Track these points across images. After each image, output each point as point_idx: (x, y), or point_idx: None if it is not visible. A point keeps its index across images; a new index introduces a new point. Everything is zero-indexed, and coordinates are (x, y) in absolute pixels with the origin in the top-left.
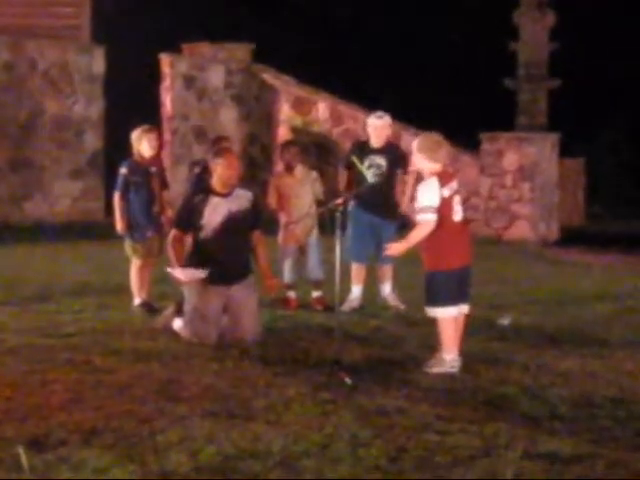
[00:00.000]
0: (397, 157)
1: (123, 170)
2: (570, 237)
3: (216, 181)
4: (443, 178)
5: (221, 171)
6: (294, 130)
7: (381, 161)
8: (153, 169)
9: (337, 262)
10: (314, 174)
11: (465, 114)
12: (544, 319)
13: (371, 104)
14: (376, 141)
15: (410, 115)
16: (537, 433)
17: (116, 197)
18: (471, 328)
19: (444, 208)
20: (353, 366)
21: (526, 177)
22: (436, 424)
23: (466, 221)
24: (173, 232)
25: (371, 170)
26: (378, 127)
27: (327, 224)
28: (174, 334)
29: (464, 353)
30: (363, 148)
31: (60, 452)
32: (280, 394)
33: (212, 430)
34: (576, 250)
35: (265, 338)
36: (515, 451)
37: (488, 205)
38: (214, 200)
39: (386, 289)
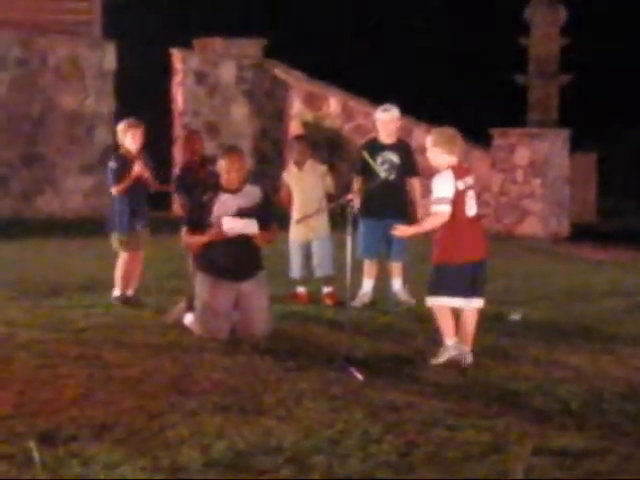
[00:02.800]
0: (407, 154)
1: (113, 164)
2: (581, 233)
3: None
4: (458, 172)
5: (222, 173)
6: (305, 125)
7: (393, 157)
8: (142, 161)
9: (348, 257)
10: (323, 168)
11: (476, 110)
12: (554, 315)
13: (382, 100)
14: (386, 135)
15: (421, 111)
16: (547, 428)
17: (114, 190)
18: (482, 323)
19: (457, 201)
20: (364, 361)
21: (537, 173)
22: (446, 419)
23: (479, 216)
24: (184, 230)
25: (384, 166)
26: (386, 120)
27: (338, 219)
28: (185, 329)
29: (475, 348)
30: (374, 145)
31: (71, 447)
32: (291, 389)
33: (223, 425)
34: (587, 246)
35: (276, 333)
36: (526, 447)
37: (499, 200)
38: (223, 196)
39: (397, 285)
